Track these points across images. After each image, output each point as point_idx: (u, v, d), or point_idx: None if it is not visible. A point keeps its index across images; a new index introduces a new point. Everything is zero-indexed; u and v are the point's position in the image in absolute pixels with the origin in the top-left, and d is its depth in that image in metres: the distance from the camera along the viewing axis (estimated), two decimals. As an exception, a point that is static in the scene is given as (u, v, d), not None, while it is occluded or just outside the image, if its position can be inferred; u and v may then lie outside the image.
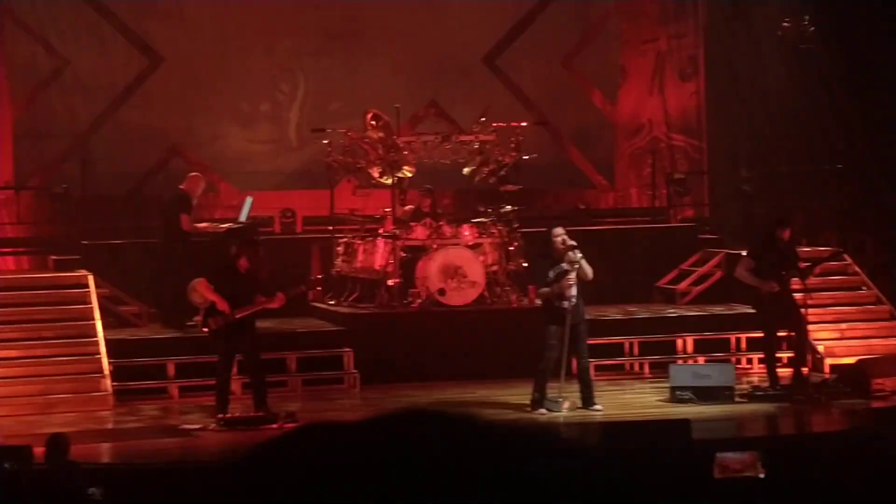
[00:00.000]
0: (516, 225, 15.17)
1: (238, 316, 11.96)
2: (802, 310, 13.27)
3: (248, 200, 15.60)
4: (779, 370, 13.31)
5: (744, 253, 14.20)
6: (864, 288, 15.64)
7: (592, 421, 11.84)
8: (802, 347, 13.39)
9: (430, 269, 14.38)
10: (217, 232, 14.88)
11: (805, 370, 13.50)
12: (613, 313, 15.15)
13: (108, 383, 13.29)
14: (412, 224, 15.05)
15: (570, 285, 12.12)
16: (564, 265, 12.17)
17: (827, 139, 17.30)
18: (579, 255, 12.20)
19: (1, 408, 12.69)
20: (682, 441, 9.95)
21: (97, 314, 14.04)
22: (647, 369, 14.61)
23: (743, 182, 17.68)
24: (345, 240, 15.34)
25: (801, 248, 14.19)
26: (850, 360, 13.91)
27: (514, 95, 18.65)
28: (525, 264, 14.54)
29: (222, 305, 11.95)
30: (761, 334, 13.61)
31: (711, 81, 18.53)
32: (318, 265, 15.67)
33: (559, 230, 12.44)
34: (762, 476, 8.69)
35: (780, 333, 13.39)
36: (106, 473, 9.45)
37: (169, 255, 14.43)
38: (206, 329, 12.20)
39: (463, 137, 15.64)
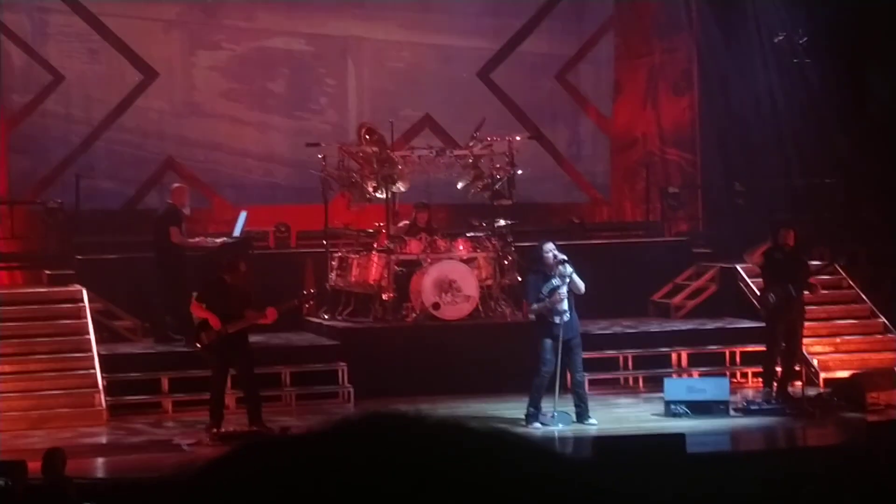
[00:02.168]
0: (510, 239, 15.19)
1: (231, 330, 11.96)
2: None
3: (243, 215, 15.60)
4: (775, 384, 13.35)
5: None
6: (858, 302, 15.66)
7: (587, 435, 11.82)
8: (792, 361, 13.43)
9: (425, 284, 14.38)
10: (211, 247, 14.88)
11: (799, 384, 13.52)
12: (608, 327, 15.15)
13: (101, 398, 13.27)
14: (406, 238, 15.05)
15: (562, 300, 12.12)
16: (555, 280, 12.18)
17: (820, 152, 17.34)
18: (570, 269, 12.21)
19: (-6, 423, 12.66)
20: (676, 455, 9.93)
21: (91, 329, 14.03)
22: (641, 383, 14.61)
23: (737, 196, 17.71)
24: (339, 254, 15.34)
25: (811, 260, 14.19)
26: (845, 374, 13.92)
27: (509, 110, 18.66)
28: (519, 278, 14.54)
29: (214, 322, 11.94)
30: (763, 346, 13.64)
31: (705, 95, 18.57)
32: (313, 280, 15.66)
33: (549, 245, 12.45)
34: None
35: (782, 347, 13.43)
36: (99, 488, 9.42)
37: (161, 269, 14.42)
38: (199, 344, 12.20)
39: (457, 152, 15.66)
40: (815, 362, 14.57)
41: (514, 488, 1.04)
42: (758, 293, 14.34)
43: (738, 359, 14.85)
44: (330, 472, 1.06)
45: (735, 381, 14.37)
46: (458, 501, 1.02)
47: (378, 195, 15.18)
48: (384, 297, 14.69)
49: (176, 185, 15.41)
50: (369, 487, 1.03)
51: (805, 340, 13.96)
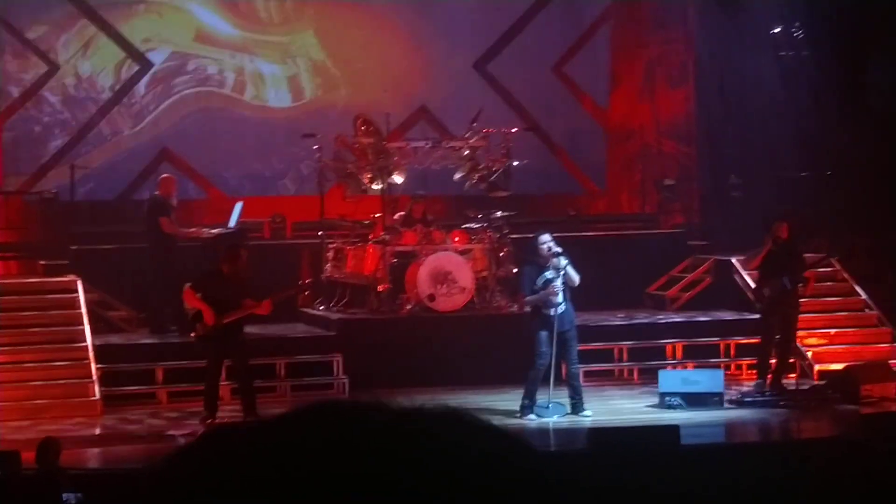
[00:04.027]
0: (506, 231, 15.18)
1: (226, 321, 11.94)
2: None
3: (238, 206, 15.59)
4: (770, 376, 13.36)
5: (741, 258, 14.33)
6: (853, 294, 15.66)
7: (581, 426, 11.83)
8: (787, 354, 13.44)
9: (420, 275, 14.36)
10: (206, 237, 14.86)
11: (793, 376, 13.53)
12: (603, 319, 15.15)
13: (96, 388, 13.26)
14: (402, 230, 15.04)
15: (556, 292, 12.11)
16: (549, 272, 12.17)
17: (817, 145, 17.32)
18: (564, 261, 12.19)
19: (-11, 413, 12.65)
20: (670, 447, 9.94)
21: (86, 319, 14.01)
22: (636, 375, 14.62)
23: (733, 188, 17.70)
24: (335, 245, 15.33)
25: (808, 253, 14.21)
26: (839, 367, 13.93)
27: (505, 101, 18.64)
28: (515, 270, 14.54)
29: (207, 313, 11.93)
30: (758, 339, 13.65)
31: (702, 88, 18.54)
32: (308, 271, 15.65)
33: (545, 237, 12.44)
34: None
35: (776, 339, 13.45)
36: (91, 479, 9.41)
37: (153, 260, 14.40)
38: (193, 334, 12.18)
39: (453, 143, 15.64)
40: (809, 355, 14.58)
41: (466, 468, 1.04)
42: (752, 285, 14.35)
43: (732, 351, 14.86)
44: (287, 457, 1.05)
45: (730, 373, 14.38)
46: (414, 484, 1.01)
47: (374, 186, 15.17)
48: (380, 288, 14.68)
49: (163, 175, 15.39)
50: (325, 472, 1.03)
51: (800, 333, 13.97)
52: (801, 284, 13.37)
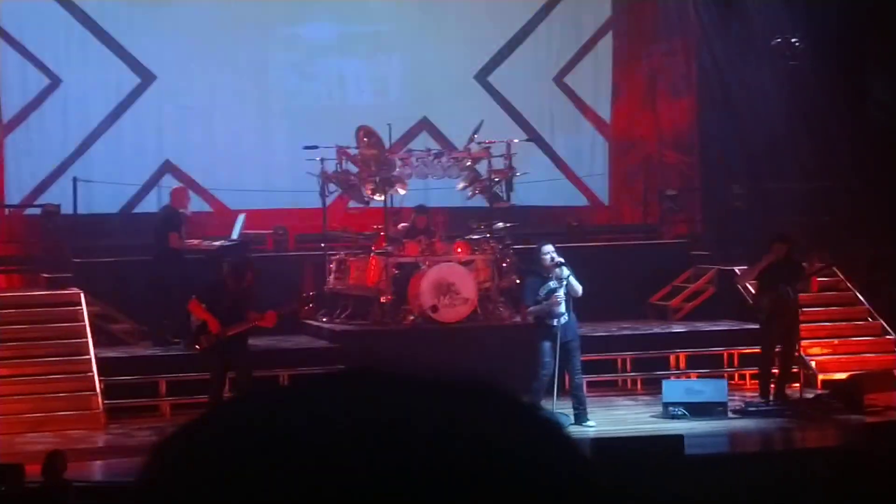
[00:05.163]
0: (508, 241, 15.19)
1: (230, 333, 11.95)
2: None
3: (241, 218, 15.60)
4: (772, 386, 13.36)
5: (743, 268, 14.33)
6: (857, 303, 15.66)
7: (585, 437, 11.82)
8: (789, 363, 13.43)
9: (423, 286, 14.37)
10: (210, 250, 14.88)
11: (797, 386, 13.52)
12: (606, 329, 15.15)
13: (99, 401, 13.27)
14: (405, 241, 15.06)
15: (559, 303, 12.12)
16: (552, 283, 12.18)
17: (818, 155, 17.33)
18: (567, 272, 12.21)
19: (-8, 426, 12.66)
20: (674, 457, 9.94)
21: (89, 332, 14.02)
22: (639, 385, 14.62)
23: (735, 198, 17.70)
24: (337, 257, 15.34)
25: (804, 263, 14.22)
26: (843, 376, 13.93)
27: (507, 112, 18.66)
28: (517, 281, 14.55)
29: (213, 324, 11.94)
30: (759, 349, 13.66)
31: (703, 98, 18.56)
32: (311, 282, 15.66)
33: (548, 247, 12.45)
34: None
35: (778, 349, 13.44)
36: (95, 492, 9.41)
37: (160, 272, 14.42)
38: (198, 347, 12.20)
39: (455, 154, 15.66)
40: (813, 364, 14.57)
41: (492, 444, 1.02)
42: (755, 294, 14.35)
43: (736, 361, 14.85)
44: (303, 430, 1.03)
45: (733, 382, 14.37)
46: (433, 463, 1.00)
47: (376, 198, 15.18)
48: (382, 299, 14.68)
49: (176, 186, 15.42)
50: (337, 451, 1.01)
51: (803, 342, 13.96)
52: (801, 290, 13.34)
